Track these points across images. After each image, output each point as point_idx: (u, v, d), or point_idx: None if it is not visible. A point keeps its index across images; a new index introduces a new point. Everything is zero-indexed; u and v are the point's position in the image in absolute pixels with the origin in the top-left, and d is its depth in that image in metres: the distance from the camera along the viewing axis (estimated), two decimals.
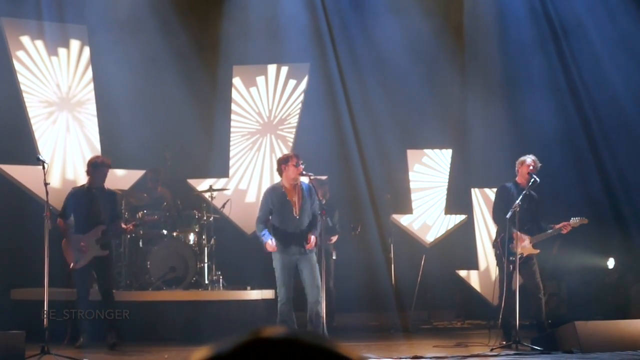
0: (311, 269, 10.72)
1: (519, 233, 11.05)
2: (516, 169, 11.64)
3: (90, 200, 11.17)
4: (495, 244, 11.63)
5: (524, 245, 11.32)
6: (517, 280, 11.07)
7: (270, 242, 10.68)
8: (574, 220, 11.39)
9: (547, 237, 11.55)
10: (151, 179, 14.09)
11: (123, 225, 11.52)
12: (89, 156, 14.48)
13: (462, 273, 15.28)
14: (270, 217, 10.93)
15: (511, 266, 11.21)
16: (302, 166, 10.79)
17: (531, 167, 11.40)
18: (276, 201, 10.84)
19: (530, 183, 11.20)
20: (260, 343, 1.48)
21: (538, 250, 11.48)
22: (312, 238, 10.70)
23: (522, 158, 11.61)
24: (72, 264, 10.98)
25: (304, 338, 1.48)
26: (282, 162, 10.94)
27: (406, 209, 15.43)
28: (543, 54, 15.34)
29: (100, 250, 11.09)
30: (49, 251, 9.73)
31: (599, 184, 14.78)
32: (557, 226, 11.40)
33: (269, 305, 12.61)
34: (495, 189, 14.70)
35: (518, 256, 11.20)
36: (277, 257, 10.78)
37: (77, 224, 11.16)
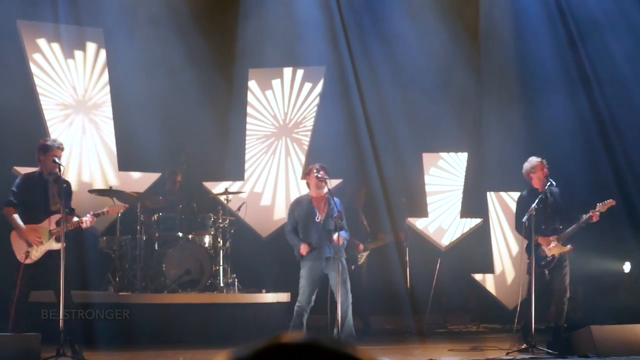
0: (341, 273, 10.68)
1: (536, 235, 11.01)
2: (526, 174, 11.51)
3: (43, 188, 10.20)
4: (528, 249, 11.50)
5: (552, 246, 11.28)
6: (533, 284, 11.02)
7: (304, 246, 10.77)
8: (601, 206, 11.29)
9: (578, 229, 11.42)
10: (168, 179, 14.12)
11: (79, 219, 10.15)
12: (105, 159, 14.55)
13: (478, 277, 15.25)
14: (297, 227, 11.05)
15: (546, 271, 11.21)
16: (318, 173, 10.89)
17: (546, 170, 11.34)
18: (301, 211, 10.98)
19: (547, 186, 11.15)
20: (279, 348, 1.48)
21: (569, 247, 11.38)
22: (335, 236, 10.74)
23: (532, 163, 11.48)
24: (23, 258, 9.91)
25: (324, 343, 1.48)
26: (307, 174, 11.18)
27: (422, 212, 15.41)
28: (559, 57, 15.30)
29: (55, 242, 10.03)
30: (64, 253, 9.72)
31: (615, 188, 14.72)
32: (586, 216, 11.28)
33: (284, 308, 12.62)
34: (510, 193, 14.76)
35: (549, 259, 11.19)
36: (305, 264, 10.88)
37: (27, 213, 10.16)
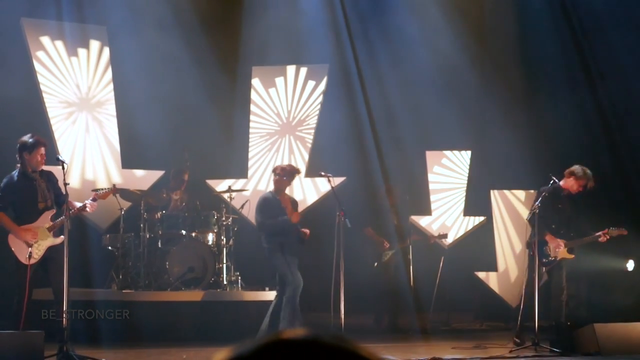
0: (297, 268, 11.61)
1: (547, 232, 11.09)
2: (569, 174, 11.56)
3: (30, 186, 10.10)
4: (529, 245, 11.56)
5: (559, 249, 11.31)
6: (536, 282, 11.03)
7: (295, 215, 11.51)
8: (612, 230, 11.38)
9: (583, 244, 11.52)
10: (174, 178, 14.11)
11: (81, 205, 10.08)
12: (108, 157, 14.55)
13: (481, 275, 15.23)
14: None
15: (543, 268, 11.24)
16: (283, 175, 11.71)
17: (580, 187, 11.41)
18: (272, 207, 11.35)
19: (550, 184, 11.16)
20: (281, 344, 1.47)
21: (573, 256, 11.47)
22: (307, 231, 11.52)
23: (576, 170, 11.51)
24: (27, 260, 9.82)
25: (325, 339, 1.48)
26: (279, 172, 11.74)
27: (425, 210, 15.39)
28: (564, 55, 15.29)
29: (54, 238, 10.05)
30: (68, 250, 9.72)
31: (619, 188, 14.71)
32: (597, 234, 11.36)
33: None
34: (514, 191, 14.76)
35: (551, 259, 11.22)
36: (280, 257, 11.50)
37: (19, 214, 10.12)
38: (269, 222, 11.47)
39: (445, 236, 14.51)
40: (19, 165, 10.20)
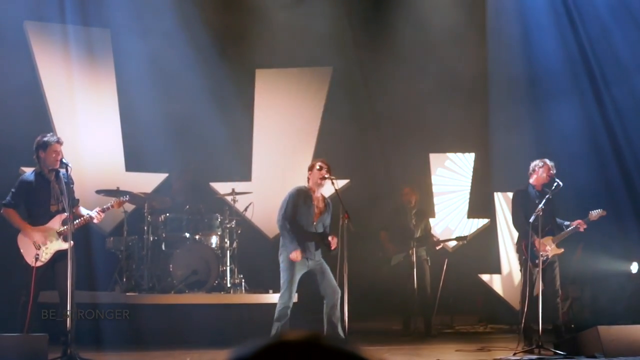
0: (325, 273, 10.73)
1: (538, 236, 11.03)
2: (531, 171, 11.56)
3: (45, 187, 9.95)
4: (519, 249, 11.54)
5: (549, 246, 11.31)
6: (540, 284, 11.02)
7: (295, 253, 10.52)
8: (593, 214, 11.36)
9: (567, 235, 11.49)
10: (180, 180, 14.12)
11: (88, 215, 10.08)
12: (111, 159, 14.55)
13: (485, 277, 15.23)
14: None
15: (536, 270, 11.21)
16: (322, 170, 10.78)
17: (552, 171, 11.36)
18: (302, 202, 10.83)
19: (554, 187, 11.15)
20: (282, 346, 1.48)
21: (562, 250, 11.44)
22: (335, 238, 10.57)
23: (538, 161, 11.53)
24: (33, 262, 9.74)
25: (326, 341, 1.48)
26: (309, 168, 11.01)
27: (429, 212, 15.39)
28: (567, 57, 15.27)
29: (63, 242, 9.87)
30: (72, 253, 9.70)
31: (623, 189, 14.69)
32: (574, 223, 11.36)
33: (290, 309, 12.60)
34: None
35: (542, 259, 11.21)
36: (288, 267, 10.68)
37: (31, 214, 10.01)
38: (285, 228, 10.73)
39: (464, 238, 14.39)
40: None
